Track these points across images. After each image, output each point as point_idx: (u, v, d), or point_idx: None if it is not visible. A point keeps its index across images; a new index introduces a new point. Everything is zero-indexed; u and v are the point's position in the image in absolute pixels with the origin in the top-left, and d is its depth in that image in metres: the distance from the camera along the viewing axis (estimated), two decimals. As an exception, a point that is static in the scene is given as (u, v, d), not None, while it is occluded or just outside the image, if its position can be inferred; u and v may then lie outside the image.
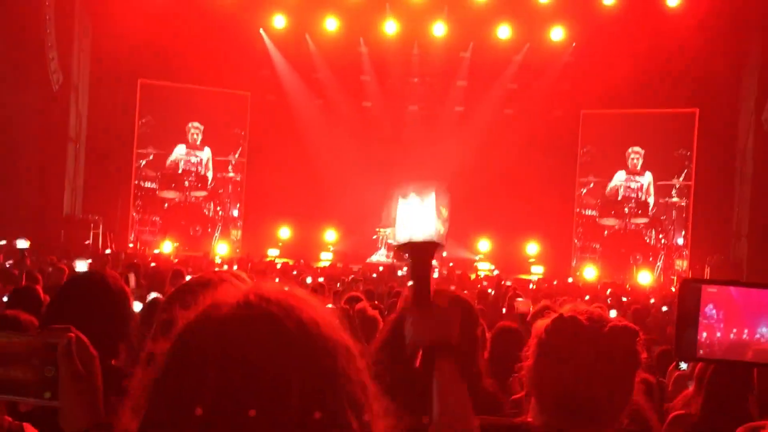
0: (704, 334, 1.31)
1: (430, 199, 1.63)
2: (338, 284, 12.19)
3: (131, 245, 19.51)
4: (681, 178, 19.49)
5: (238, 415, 0.85)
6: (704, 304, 1.30)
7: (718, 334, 1.30)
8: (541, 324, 1.72)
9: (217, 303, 0.93)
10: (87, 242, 17.59)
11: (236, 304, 0.92)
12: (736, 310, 1.30)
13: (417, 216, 1.61)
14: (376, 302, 7.09)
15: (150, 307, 3.99)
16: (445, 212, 1.62)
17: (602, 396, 1.62)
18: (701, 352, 1.31)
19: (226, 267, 14.28)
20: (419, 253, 1.57)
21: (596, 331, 1.65)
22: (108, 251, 16.64)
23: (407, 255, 1.58)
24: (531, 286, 15.19)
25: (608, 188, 20.20)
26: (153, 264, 13.31)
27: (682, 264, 19.20)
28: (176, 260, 15.71)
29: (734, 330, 1.30)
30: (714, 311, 1.29)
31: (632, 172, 19.94)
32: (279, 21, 20.21)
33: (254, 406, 0.85)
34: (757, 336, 1.29)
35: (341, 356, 0.91)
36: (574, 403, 1.62)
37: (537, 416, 1.68)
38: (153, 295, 5.07)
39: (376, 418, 0.93)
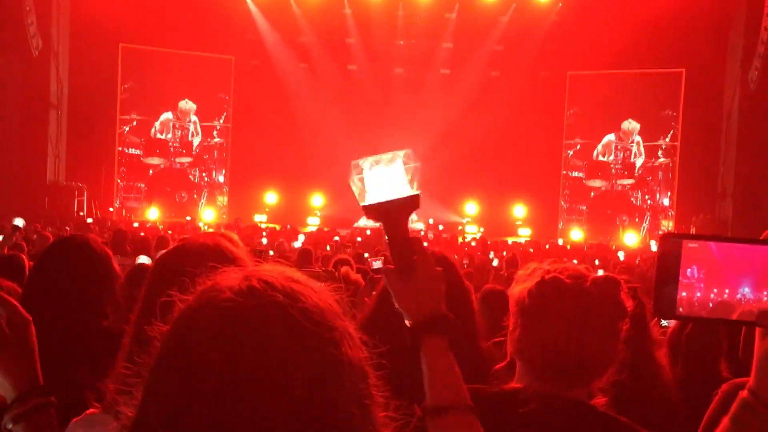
0: (684, 294, 1.29)
1: (397, 163, 1.53)
2: (327, 247, 12.20)
3: (112, 210, 19.40)
4: (667, 139, 19.52)
5: (241, 405, 0.84)
6: (684, 259, 1.28)
7: (698, 294, 1.28)
8: (520, 289, 1.70)
9: (219, 288, 0.91)
10: (81, 213, 17.50)
11: (240, 290, 0.90)
12: (717, 267, 1.28)
13: (384, 178, 1.52)
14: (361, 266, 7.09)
15: (138, 270, 3.96)
16: (413, 183, 1.52)
17: (592, 351, 1.61)
18: (681, 309, 1.29)
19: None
20: (392, 213, 1.47)
21: (579, 286, 1.64)
22: (90, 220, 16.51)
23: (379, 219, 1.48)
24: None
25: (596, 151, 20.20)
26: (141, 234, 13.27)
27: (667, 224, 19.32)
28: (161, 226, 15.67)
29: (715, 289, 1.28)
30: (695, 271, 1.28)
31: (622, 138, 19.94)
32: (262, -17, 19.92)
33: (258, 396, 0.84)
34: (738, 296, 1.28)
35: (345, 345, 0.91)
36: (566, 362, 1.61)
37: (527, 382, 1.67)
38: (141, 258, 5.04)
39: (376, 406, 0.93)
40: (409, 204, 1.49)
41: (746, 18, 16.76)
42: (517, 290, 1.72)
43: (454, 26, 20.30)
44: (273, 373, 0.85)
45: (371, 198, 1.51)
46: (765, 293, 1.27)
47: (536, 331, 1.65)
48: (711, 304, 1.28)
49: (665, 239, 1.31)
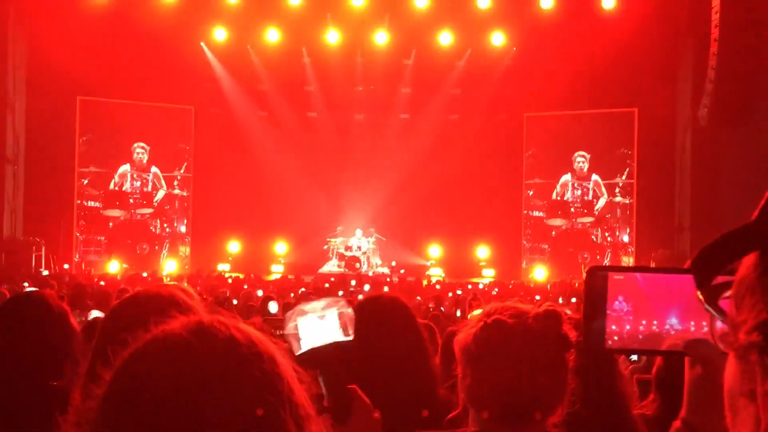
0: (613, 326, 1.29)
1: (331, 313, 1.51)
2: (291, 294, 12.10)
3: (67, 267, 19.00)
4: (624, 177, 19.89)
5: None
6: (611, 292, 1.29)
7: (627, 326, 1.29)
8: (464, 335, 1.70)
9: (165, 331, 0.91)
10: (40, 269, 17.13)
11: (186, 329, 0.90)
12: (644, 299, 1.29)
13: (317, 326, 1.49)
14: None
15: (92, 326, 3.89)
16: (348, 329, 1.51)
17: (543, 387, 1.62)
18: (610, 342, 1.30)
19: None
20: (326, 359, 1.45)
21: (522, 325, 1.65)
22: (46, 272, 16.17)
23: (314, 366, 1.44)
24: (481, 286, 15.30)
25: (555, 192, 20.48)
26: (102, 283, 13.04)
27: (628, 260, 19.57)
28: (120, 279, 15.41)
29: (644, 321, 1.29)
30: (623, 304, 1.28)
31: (578, 177, 20.27)
32: (220, 34, 20.04)
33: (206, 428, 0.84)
34: (667, 327, 1.29)
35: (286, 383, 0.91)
36: (519, 403, 1.61)
37: (481, 427, 1.66)
38: (95, 313, 4.93)
39: None
40: (343, 349, 1.48)
41: (694, 57, 17.30)
42: (462, 337, 1.71)
43: (411, 72, 20.60)
44: (220, 406, 0.85)
45: (304, 346, 1.48)
46: (692, 323, 1.28)
47: (486, 376, 1.64)
48: (641, 336, 1.29)
49: (591, 272, 1.32)
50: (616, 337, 1.29)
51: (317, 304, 1.52)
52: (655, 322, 1.29)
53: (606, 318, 1.29)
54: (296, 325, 1.49)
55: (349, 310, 1.52)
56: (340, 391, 1.45)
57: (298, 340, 1.49)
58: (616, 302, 1.28)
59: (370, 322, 2.39)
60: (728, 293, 0.77)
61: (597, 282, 1.30)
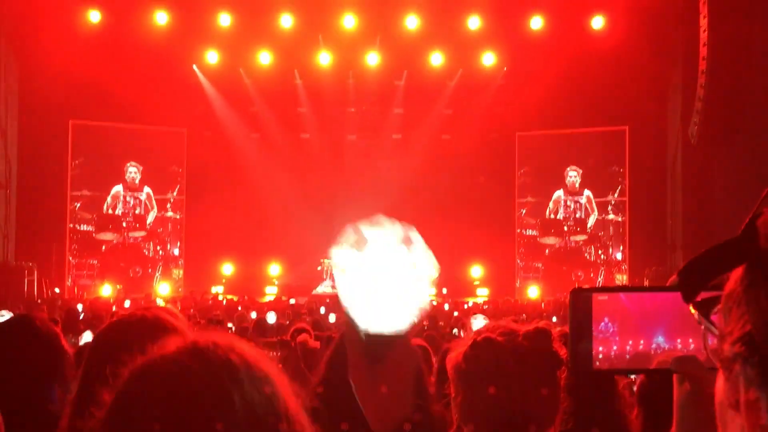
0: (600, 348, 1.30)
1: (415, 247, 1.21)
2: (287, 322, 11.99)
3: (58, 291, 18.90)
4: (616, 194, 19.97)
5: None
6: (596, 313, 1.29)
7: (615, 347, 1.29)
8: (455, 354, 1.70)
9: (157, 354, 0.92)
10: (33, 294, 17.02)
11: (179, 351, 0.91)
12: (629, 319, 1.29)
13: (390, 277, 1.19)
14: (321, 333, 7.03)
15: (83, 350, 3.87)
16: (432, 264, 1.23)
17: (535, 405, 1.62)
18: (597, 363, 1.30)
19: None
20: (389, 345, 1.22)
21: (511, 343, 1.66)
22: (39, 301, 16.08)
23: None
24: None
25: (548, 209, 20.54)
26: (89, 308, 12.97)
27: (622, 278, 19.61)
28: (113, 303, 15.35)
29: (630, 341, 1.29)
30: (609, 325, 1.29)
31: (570, 192, 20.35)
32: (212, 56, 20.14)
33: None
34: (653, 346, 1.30)
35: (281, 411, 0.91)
36: (510, 420, 1.61)
37: None
38: (87, 337, 4.91)
39: None
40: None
41: (683, 75, 17.44)
42: (453, 355, 1.71)
43: (403, 92, 20.70)
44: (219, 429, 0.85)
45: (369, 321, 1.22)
46: (678, 341, 1.29)
47: (477, 394, 1.64)
48: (628, 356, 1.29)
49: (575, 294, 1.32)
50: (602, 357, 1.30)
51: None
52: (641, 342, 1.29)
53: (592, 339, 1.29)
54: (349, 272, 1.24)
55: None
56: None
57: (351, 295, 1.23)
58: (602, 324, 1.29)
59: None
60: (718, 308, 0.78)
61: (581, 304, 1.30)
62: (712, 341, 0.78)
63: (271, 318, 8.39)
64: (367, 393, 1.17)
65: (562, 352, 1.66)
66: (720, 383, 0.77)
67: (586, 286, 1.34)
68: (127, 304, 14.80)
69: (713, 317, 0.79)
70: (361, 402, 1.18)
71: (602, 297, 1.29)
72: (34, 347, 2.37)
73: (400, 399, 1.18)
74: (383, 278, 1.14)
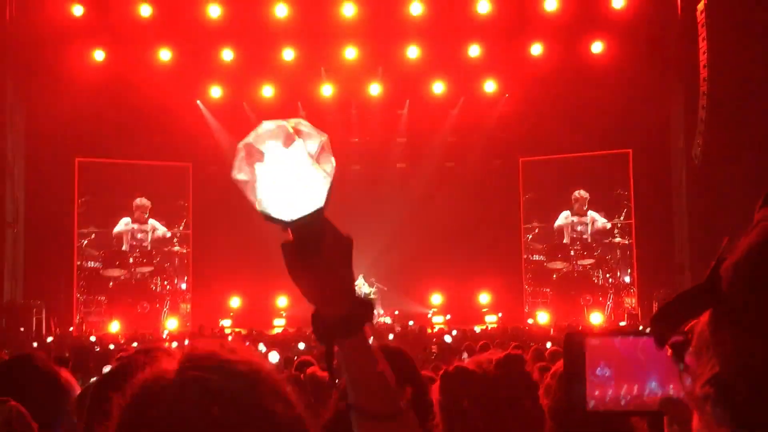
0: (596, 392, 1.31)
1: (297, 144, 1.19)
2: (295, 357, 11.87)
3: (72, 328, 18.89)
4: (622, 217, 19.95)
5: None
6: (590, 357, 1.31)
7: (610, 392, 1.31)
8: (435, 386, 1.70)
9: (155, 377, 0.93)
10: (21, 329, 16.95)
11: (177, 377, 0.92)
12: (623, 364, 1.31)
13: (286, 169, 1.17)
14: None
15: (90, 387, 3.85)
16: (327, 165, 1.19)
17: (516, 428, 1.62)
18: (591, 405, 1.31)
19: (176, 344, 13.97)
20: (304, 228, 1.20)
21: (484, 371, 1.66)
22: (50, 339, 16.05)
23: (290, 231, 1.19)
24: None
25: (554, 228, 20.49)
26: (111, 346, 12.97)
27: (631, 301, 19.51)
28: (123, 339, 15.34)
29: (625, 386, 1.31)
30: (605, 370, 1.31)
31: (577, 213, 20.34)
32: (215, 91, 20.32)
33: None
34: (647, 392, 1.31)
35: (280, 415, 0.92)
36: None
37: None
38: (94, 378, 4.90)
39: None
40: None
41: (685, 97, 17.51)
42: (435, 387, 1.72)
43: (406, 121, 20.81)
44: None
45: (272, 205, 1.22)
46: (671, 386, 1.30)
47: (455, 424, 1.64)
48: (623, 401, 1.31)
49: (568, 338, 1.35)
50: (596, 401, 1.31)
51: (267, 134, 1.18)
52: (636, 387, 1.31)
53: (586, 382, 1.31)
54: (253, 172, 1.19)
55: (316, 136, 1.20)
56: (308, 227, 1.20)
57: (256, 189, 1.19)
58: (598, 369, 1.31)
59: None
60: (692, 349, 0.81)
61: (574, 347, 1.33)
62: (688, 383, 0.81)
63: (274, 358, 8.28)
64: (309, 287, 1.22)
65: (535, 375, 1.67)
66: (695, 422, 0.80)
67: (580, 328, 1.37)
68: (134, 344, 14.78)
69: (687, 359, 0.82)
70: (305, 297, 1.22)
71: (595, 341, 1.32)
72: (35, 387, 2.37)
73: (341, 286, 1.22)
74: (287, 175, 1.18)
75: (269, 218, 1.25)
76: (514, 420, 1.62)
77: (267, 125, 1.22)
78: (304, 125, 1.23)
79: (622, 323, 17.63)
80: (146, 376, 0.94)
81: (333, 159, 1.22)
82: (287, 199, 1.21)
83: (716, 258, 0.81)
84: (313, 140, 1.22)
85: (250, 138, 1.23)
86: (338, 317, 1.22)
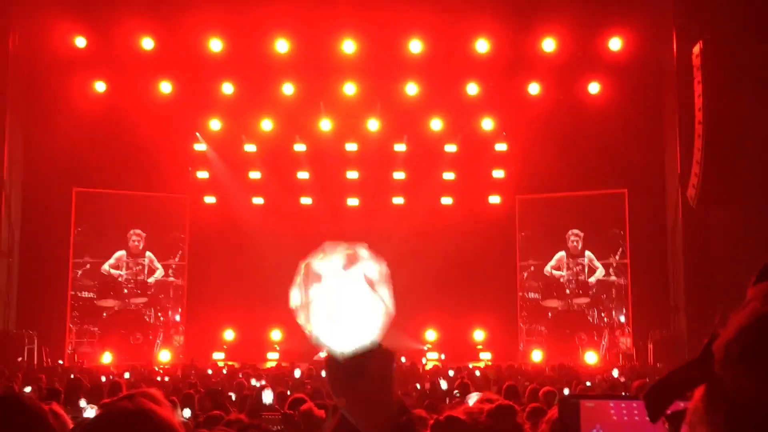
0: None
1: (357, 269, 1.17)
2: (288, 392, 11.71)
3: (61, 361, 18.70)
4: (617, 257, 19.97)
5: None
6: (585, 419, 1.32)
7: None
8: None
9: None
10: (20, 359, 16.86)
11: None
12: (616, 426, 1.32)
13: (342, 295, 1.15)
14: (324, 401, 6.95)
15: (77, 426, 3.80)
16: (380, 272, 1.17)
17: None
18: None
19: (167, 378, 13.86)
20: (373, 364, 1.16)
21: (475, 421, 1.66)
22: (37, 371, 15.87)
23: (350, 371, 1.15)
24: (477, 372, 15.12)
25: (548, 268, 20.51)
26: (102, 378, 12.84)
27: (626, 341, 19.45)
28: (113, 371, 15.21)
29: None
30: (600, 431, 1.32)
31: (572, 255, 20.37)
32: (215, 124, 20.44)
33: None
34: None
35: None
36: None
37: None
38: (89, 410, 4.83)
39: None
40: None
41: (680, 139, 17.65)
42: None
43: (404, 157, 20.92)
44: None
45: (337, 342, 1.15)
46: None
47: None
48: None
49: (564, 402, 1.37)
50: None
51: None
52: None
53: None
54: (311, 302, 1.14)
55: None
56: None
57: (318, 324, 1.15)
58: (594, 430, 1.32)
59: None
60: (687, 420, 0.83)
61: (569, 409, 1.34)
62: None
63: (267, 398, 8.10)
64: (354, 406, 1.18)
65: (527, 426, 1.67)
66: None
67: (575, 395, 1.39)
68: (126, 375, 14.66)
69: (683, 429, 0.84)
70: (351, 416, 1.19)
71: (590, 404, 1.33)
72: (21, 426, 2.33)
73: (385, 404, 1.19)
74: (342, 302, 1.13)
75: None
76: None
77: (329, 247, 1.20)
78: (365, 251, 1.20)
79: (616, 380, 17.53)
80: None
81: (390, 288, 1.16)
82: (342, 332, 1.15)
83: (709, 334, 0.83)
84: (373, 266, 1.18)
85: (311, 259, 1.20)
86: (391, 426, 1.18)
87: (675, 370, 0.84)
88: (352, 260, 1.16)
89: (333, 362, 1.18)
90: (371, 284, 1.15)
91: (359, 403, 1.17)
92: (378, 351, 1.18)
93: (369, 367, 1.16)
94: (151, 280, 20.57)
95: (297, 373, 14.55)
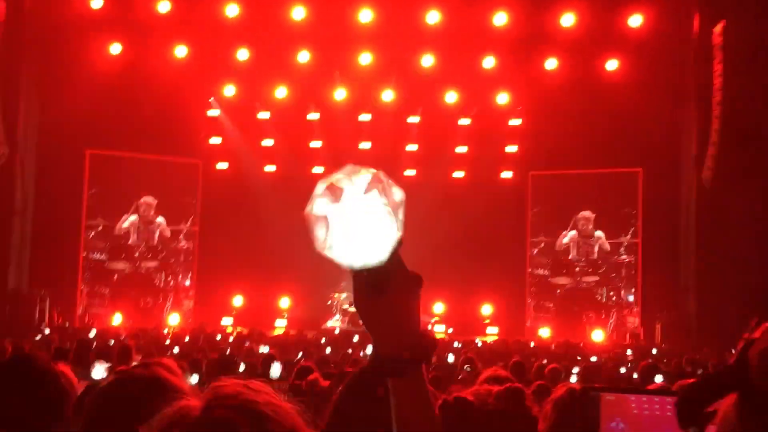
0: None
1: (375, 192, 1.20)
2: (298, 356, 11.78)
3: (67, 324, 18.87)
4: (629, 236, 19.90)
5: None
6: (605, 411, 1.32)
7: None
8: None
9: (183, 414, 0.93)
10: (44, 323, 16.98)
11: (205, 418, 0.92)
12: (638, 421, 1.31)
13: (360, 214, 1.17)
14: (331, 369, 7.00)
15: (88, 390, 3.83)
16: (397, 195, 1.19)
17: None
18: None
19: (177, 349, 13.97)
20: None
21: (483, 403, 1.65)
22: (47, 331, 16.04)
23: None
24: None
25: (559, 244, 20.47)
26: (111, 342, 12.99)
27: (634, 321, 19.44)
28: (124, 334, 15.35)
29: None
30: (621, 425, 1.31)
31: (582, 234, 20.30)
32: (229, 90, 20.38)
33: None
34: None
35: None
36: None
37: None
38: (98, 370, 4.87)
39: None
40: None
41: (697, 119, 17.48)
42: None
43: (418, 129, 20.81)
44: None
45: (347, 254, 1.18)
46: None
47: None
48: None
49: (584, 394, 1.35)
50: None
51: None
52: None
53: None
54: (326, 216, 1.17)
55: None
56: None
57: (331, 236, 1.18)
58: (613, 423, 1.31)
59: (362, 397, 2.36)
60: (712, 422, 0.81)
61: (590, 402, 1.33)
62: None
63: (276, 371, 8.01)
64: (372, 323, 1.21)
65: (535, 409, 1.67)
66: None
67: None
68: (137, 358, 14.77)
69: (708, 430, 0.82)
70: (367, 329, 1.22)
71: (610, 397, 1.32)
72: (34, 387, 2.34)
73: (406, 326, 1.24)
74: (360, 221, 1.18)
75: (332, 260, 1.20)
76: None
77: (351, 168, 1.25)
78: (384, 176, 1.24)
79: (623, 356, 17.56)
80: (172, 413, 0.93)
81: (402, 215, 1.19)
82: (355, 247, 1.19)
83: (744, 340, 0.81)
84: (392, 191, 1.22)
85: (332, 177, 1.24)
86: (394, 357, 1.21)
87: (708, 375, 0.83)
88: (374, 182, 1.20)
89: (358, 279, 1.21)
90: (389, 207, 1.18)
91: (380, 322, 1.20)
92: (402, 272, 1.25)
93: (392, 287, 1.21)
94: (165, 233, 20.60)
95: (275, 371, 14.61)
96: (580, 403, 1.32)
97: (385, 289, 1.22)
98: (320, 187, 1.23)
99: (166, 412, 0.93)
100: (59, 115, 18.12)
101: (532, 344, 16.77)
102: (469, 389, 1.67)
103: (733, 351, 0.83)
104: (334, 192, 1.21)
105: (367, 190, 1.21)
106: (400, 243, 1.21)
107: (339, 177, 1.23)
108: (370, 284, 1.21)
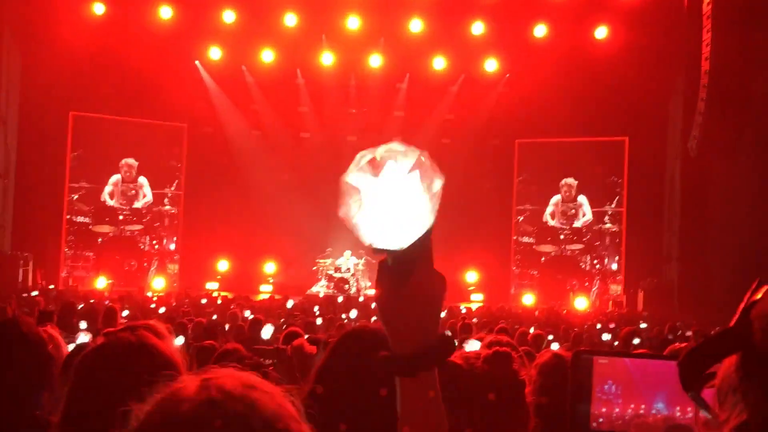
0: (603, 409, 1.31)
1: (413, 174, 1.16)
2: (281, 321, 11.86)
3: (52, 286, 18.81)
4: (613, 205, 20.00)
5: None
6: (597, 375, 1.32)
7: (617, 410, 1.31)
8: None
9: (176, 398, 0.91)
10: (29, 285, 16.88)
11: (198, 401, 0.90)
12: (631, 383, 1.32)
13: (396, 194, 1.14)
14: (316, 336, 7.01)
15: (76, 353, 3.82)
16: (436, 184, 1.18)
17: (499, 428, 1.62)
18: (595, 425, 1.32)
19: (162, 309, 13.95)
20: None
21: (471, 366, 1.66)
22: (35, 293, 15.99)
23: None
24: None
25: (545, 215, 20.58)
26: (91, 300, 12.96)
27: (617, 288, 19.63)
28: (107, 297, 15.31)
29: (632, 405, 1.32)
30: (612, 387, 1.31)
31: (566, 200, 20.39)
32: (215, 53, 20.14)
33: None
34: (654, 411, 1.32)
35: None
36: None
37: None
38: (81, 338, 4.84)
39: None
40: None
41: (684, 89, 17.49)
42: None
43: (405, 96, 20.71)
44: None
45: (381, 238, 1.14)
46: (677, 408, 1.31)
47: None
48: (627, 419, 1.31)
49: (576, 356, 1.35)
50: (603, 419, 1.32)
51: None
52: (643, 406, 1.32)
53: (591, 401, 1.32)
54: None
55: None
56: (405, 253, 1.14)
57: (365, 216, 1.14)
58: (606, 386, 1.31)
59: (347, 362, 2.36)
60: (711, 384, 0.81)
61: (582, 365, 1.33)
62: (702, 415, 0.81)
63: (267, 332, 8.02)
64: (392, 318, 1.17)
65: (523, 372, 1.68)
66: None
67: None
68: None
69: (705, 393, 0.81)
70: (384, 325, 1.18)
71: (603, 360, 1.32)
72: (20, 353, 2.32)
73: (422, 324, 1.18)
74: (395, 202, 1.15)
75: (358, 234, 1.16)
76: (500, 417, 1.62)
77: (397, 145, 1.17)
78: (428, 160, 1.21)
79: (605, 327, 17.73)
80: (166, 393, 0.92)
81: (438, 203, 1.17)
82: (383, 226, 1.15)
83: (745, 301, 0.80)
84: (433, 177, 1.20)
85: (377, 150, 1.17)
86: (408, 356, 1.17)
87: (710, 337, 0.82)
88: (417, 165, 1.17)
89: (383, 270, 1.17)
90: (427, 194, 1.18)
91: (399, 317, 1.16)
92: (428, 267, 1.21)
93: (415, 278, 1.18)
94: (138, 204, 20.49)
95: (290, 304, 14.68)
96: (573, 366, 1.32)
97: (408, 279, 1.17)
98: (363, 158, 1.19)
99: (160, 391, 0.91)
100: (42, 76, 17.86)
101: (516, 309, 16.91)
102: (458, 353, 1.68)
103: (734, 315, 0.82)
104: (376, 166, 1.16)
105: (409, 171, 1.17)
106: (430, 232, 1.19)
107: (383, 152, 1.17)
108: (394, 272, 1.17)
